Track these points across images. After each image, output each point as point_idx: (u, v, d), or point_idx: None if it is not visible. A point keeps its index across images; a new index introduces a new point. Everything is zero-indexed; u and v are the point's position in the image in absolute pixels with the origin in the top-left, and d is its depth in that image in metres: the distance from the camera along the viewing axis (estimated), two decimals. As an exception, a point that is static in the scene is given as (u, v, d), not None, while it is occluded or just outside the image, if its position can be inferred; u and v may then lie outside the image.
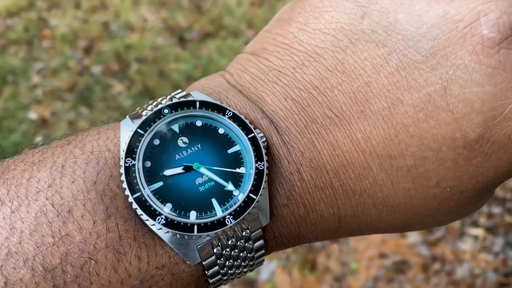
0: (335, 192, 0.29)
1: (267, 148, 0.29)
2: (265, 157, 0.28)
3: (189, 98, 0.29)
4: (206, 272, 0.27)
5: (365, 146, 0.28)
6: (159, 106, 0.29)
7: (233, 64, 0.33)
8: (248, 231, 0.28)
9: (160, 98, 0.30)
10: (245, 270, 0.29)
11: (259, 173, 0.28)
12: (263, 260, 0.30)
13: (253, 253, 0.28)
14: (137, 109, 0.30)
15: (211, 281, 0.28)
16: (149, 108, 0.29)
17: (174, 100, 0.29)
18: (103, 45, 2.04)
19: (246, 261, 0.29)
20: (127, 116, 0.29)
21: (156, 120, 0.28)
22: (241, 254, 0.28)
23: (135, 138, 0.28)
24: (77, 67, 1.97)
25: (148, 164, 0.28)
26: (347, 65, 0.28)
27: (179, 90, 0.31)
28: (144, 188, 0.26)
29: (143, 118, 0.28)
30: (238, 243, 0.28)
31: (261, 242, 0.28)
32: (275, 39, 0.31)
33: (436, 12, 0.27)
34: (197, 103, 0.29)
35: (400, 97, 0.27)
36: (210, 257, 0.27)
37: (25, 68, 1.98)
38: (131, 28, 2.10)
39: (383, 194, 0.29)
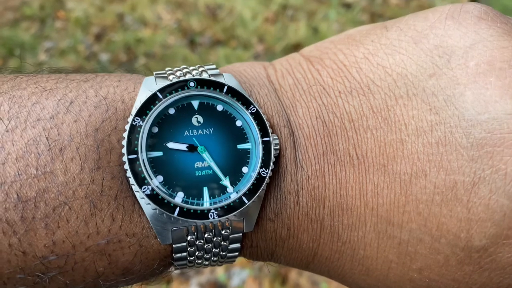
0: (322, 229, 0.28)
1: (277, 157, 0.28)
2: (271, 166, 0.27)
3: (220, 79, 0.28)
4: (174, 255, 0.27)
5: (370, 200, 0.27)
6: (187, 76, 0.28)
7: (282, 60, 0.32)
8: (228, 231, 0.27)
9: (192, 68, 0.29)
10: (213, 264, 0.29)
11: (259, 179, 0.27)
12: (234, 261, 0.29)
13: (226, 252, 0.28)
14: (166, 69, 0.29)
15: (175, 263, 0.28)
16: (177, 73, 0.29)
17: (204, 75, 0.29)
18: (114, 35, 2.06)
19: (217, 257, 0.28)
20: (154, 73, 0.28)
21: (179, 90, 0.27)
22: (213, 250, 0.28)
23: (152, 100, 0.27)
24: (86, 52, 1.98)
25: (155, 130, 0.27)
26: (392, 114, 0.27)
27: (214, 66, 0.30)
28: (142, 152, 0.26)
29: (167, 83, 0.27)
30: (215, 238, 0.27)
31: (237, 245, 0.28)
32: (336, 54, 0.30)
33: (505, 107, 0.24)
34: (225, 88, 0.28)
35: (427, 170, 0.25)
36: (182, 242, 0.27)
37: (34, 44, 1.99)
38: (144, 23, 2.13)
39: (365, 253, 0.28)
